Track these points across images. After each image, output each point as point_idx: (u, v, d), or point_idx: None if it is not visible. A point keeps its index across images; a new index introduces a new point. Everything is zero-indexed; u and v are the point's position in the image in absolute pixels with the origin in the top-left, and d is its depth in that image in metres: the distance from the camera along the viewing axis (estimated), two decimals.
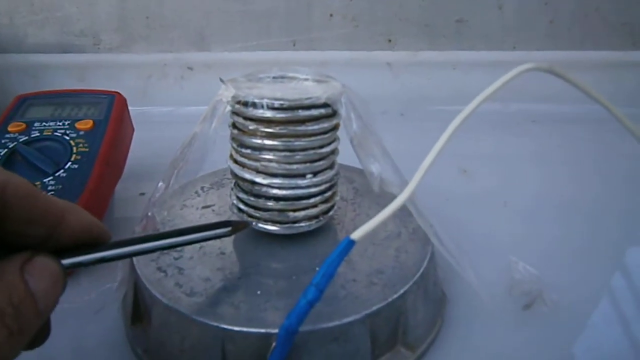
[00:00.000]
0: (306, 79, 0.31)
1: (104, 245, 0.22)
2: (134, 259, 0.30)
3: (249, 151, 0.29)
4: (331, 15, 0.62)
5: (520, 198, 0.44)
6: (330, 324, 0.25)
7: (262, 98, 0.27)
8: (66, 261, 0.21)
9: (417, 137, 0.53)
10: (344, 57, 0.61)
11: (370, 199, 0.35)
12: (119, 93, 0.44)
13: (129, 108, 0.44)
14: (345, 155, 0.31)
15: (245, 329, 0.25)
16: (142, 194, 0.44)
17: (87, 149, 0.38)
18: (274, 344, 0.24)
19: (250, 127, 0.28)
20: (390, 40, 0.62)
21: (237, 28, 0.62)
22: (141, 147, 0.46)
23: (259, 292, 0.27)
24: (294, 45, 0.62)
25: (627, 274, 0.36)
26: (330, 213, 0.31)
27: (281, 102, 0.27)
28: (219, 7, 0.61)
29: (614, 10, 0.61)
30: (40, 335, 0.21)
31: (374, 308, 0.26)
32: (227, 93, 0.28)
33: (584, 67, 0.59)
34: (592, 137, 0.52)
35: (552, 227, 0.40)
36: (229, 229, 0.26)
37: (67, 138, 0.38)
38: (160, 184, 0.31)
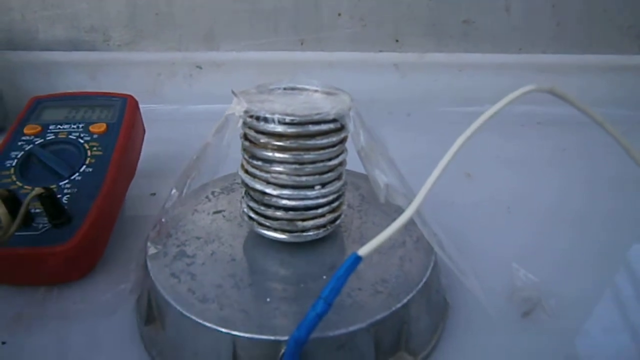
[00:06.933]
0: (316, 91, 0.31)
1: None
2: (149, 264, 0.31)
3: (260, 163, 0.29)
4: (339, 14, 0.62)
5: (523, 203, 0.44)
6: (337, 332, 0.26)
7: (274, 113, 0.28)
8: None
9: (423, 137, 0.55)
10: (351, 57, 0.62)
11: (376, 206, 0.36)
12: (131, 96, 0.44)
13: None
14: (351, 160, 0.32)
15: (256, 336, 0.26)
16: (153, 194, 0.45)
17: (100, 153, 0.39)
18: (282, 350, 0.25)
19: (262, 140, 0.29)
20: (397, 41, 0.63)
21: (245, 27, 0.62)
22: (150, 146, 0.46)
23: (268, 299, 0.28)
24: (302, 44, 0.63)
25: (630, 281, 0.37)
26: (338, 222, 0.32)
27: (292, 117, 0.28)
28: (227, 6, 0.61)
29: (621, 13, 0.61)
30: None
31: (379, 317, 0.27)
32: (239, 107, 0.29)
33: (590, 70, 0.60)
34: (598, 141, 0.52)
35: (556, 233, 0.41)
36: None
37: (82, 141, 0.39)
38: (173, 191, 0.32)
